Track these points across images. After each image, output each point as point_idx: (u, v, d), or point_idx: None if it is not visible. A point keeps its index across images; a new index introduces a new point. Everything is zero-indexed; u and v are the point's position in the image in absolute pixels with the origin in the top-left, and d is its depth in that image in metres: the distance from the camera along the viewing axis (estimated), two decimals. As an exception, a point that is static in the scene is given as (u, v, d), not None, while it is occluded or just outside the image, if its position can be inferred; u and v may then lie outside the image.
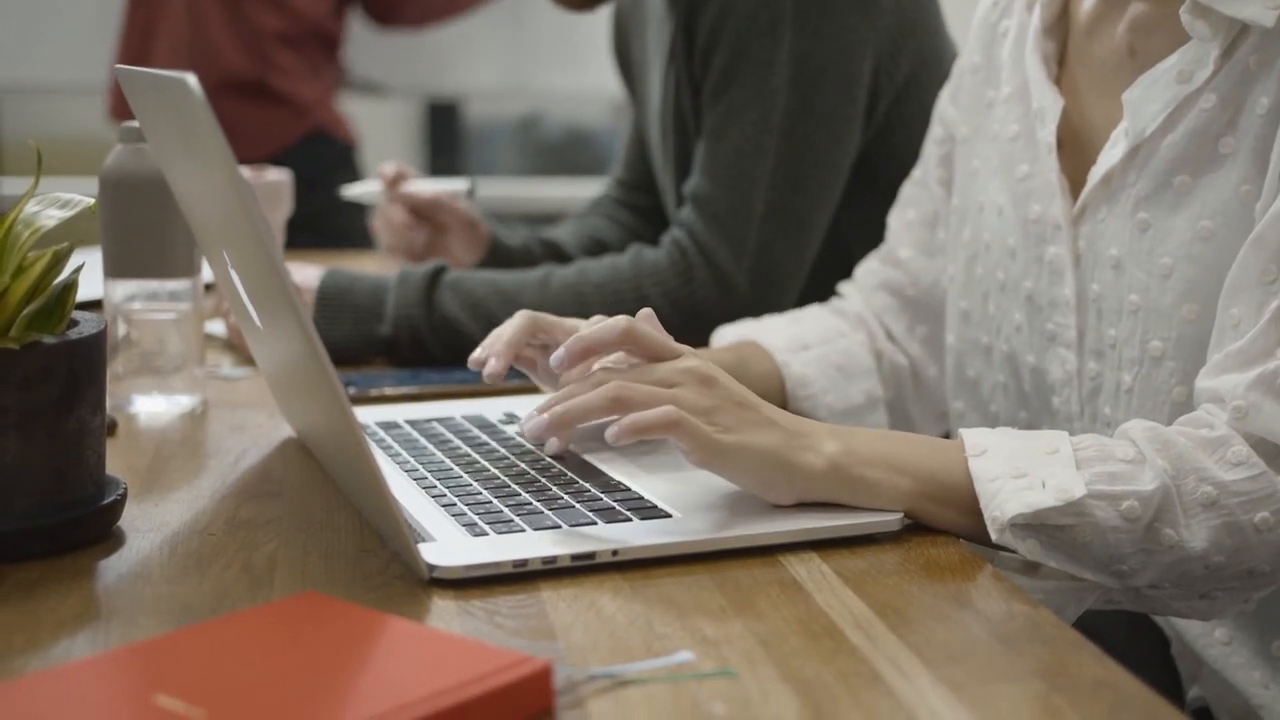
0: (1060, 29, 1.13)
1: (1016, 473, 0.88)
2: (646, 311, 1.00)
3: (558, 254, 1.68)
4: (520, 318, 1.07)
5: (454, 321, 1.36)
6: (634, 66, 1.68)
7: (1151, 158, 1.02)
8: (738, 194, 1.41)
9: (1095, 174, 1.06)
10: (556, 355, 0.95)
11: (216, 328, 1.47)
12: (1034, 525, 0.87)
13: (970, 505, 0.90)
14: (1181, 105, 1.00)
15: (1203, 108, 0.99)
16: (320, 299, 1.37)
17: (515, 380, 1.29)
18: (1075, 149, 1.10)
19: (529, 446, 1.05)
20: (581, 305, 1.39)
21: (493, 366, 1.04)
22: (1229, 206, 0.98)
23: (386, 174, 1.69)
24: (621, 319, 0.94)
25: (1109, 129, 1.06)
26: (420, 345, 1.37)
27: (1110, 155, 1.04)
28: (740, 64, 1.42)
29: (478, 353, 1.06)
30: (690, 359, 0.93)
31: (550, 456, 1.02)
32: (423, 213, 1.68)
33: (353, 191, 1.73)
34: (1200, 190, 1.00)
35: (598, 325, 0.95)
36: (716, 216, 1.42)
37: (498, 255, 1.66)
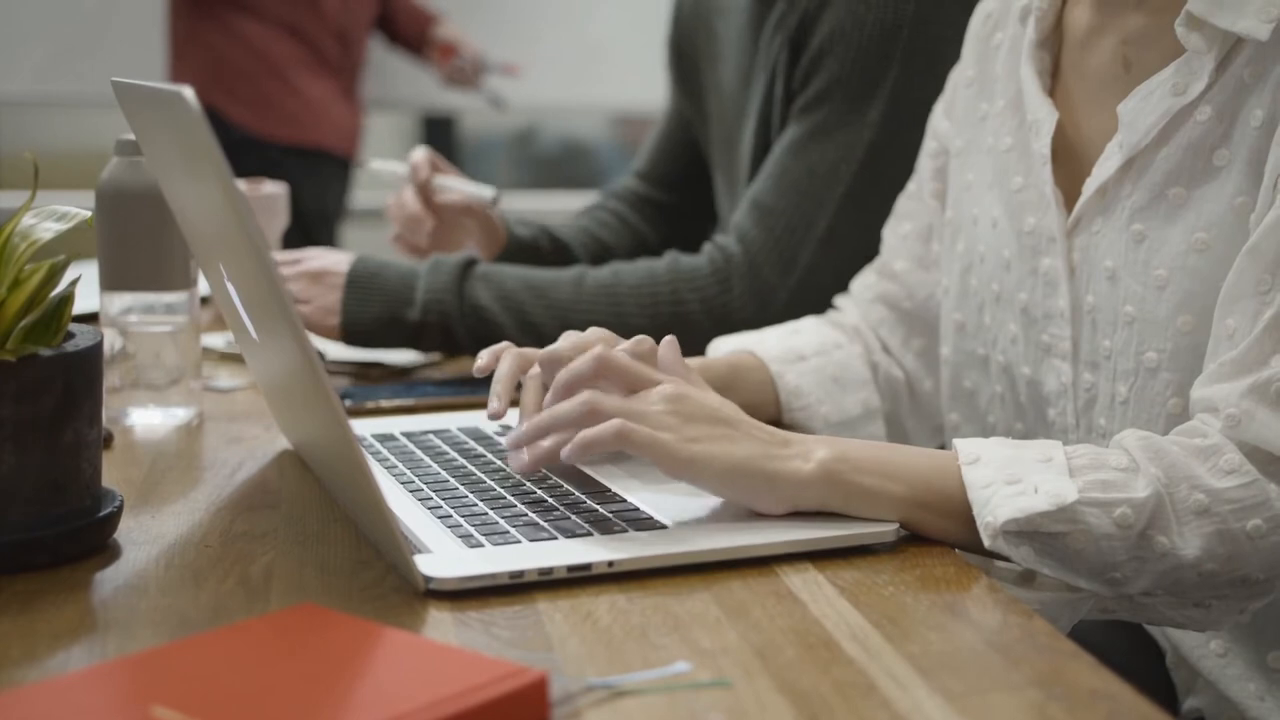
0: (1054, 41, 1.13)
1: (1010, 479, 0.89)
2: (669, 340, 1.01)
3: (562, 249, 1.65)
4: (507, 359, 1.06)
5: (484, 311, 1.36)
6: (695, 61, 1.65)
7: (1146, 170, 1.02)
8: (801, 213, 1.40)
9: (1090, 186, 1.06)
10: (548, 398, 0.97)
11: (213, 340, 1.47)
12: (1027, 532, 0.88)
13: (964, 513, 0.90)
14: (1176, 118, 1.01)
15: (1198, 120, 1.00)
16: (350, 281, 1.36)
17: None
18: (1069, 161, 1.10)
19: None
20: (616, 306, 1.38)
21: (494, 407, 1.03)
22: (1224, 219, 0.98)
23: (419, 164, 1.60)
24: (595, 350, 0.95)
25: (1103, 141, 1.06)
26: (449, 333, 1.36)
27: (1105, 167, 1.05)
28: (839, 89, 1.41)
29: (497, 406, 1.03)
30: (667, 386, 0.94)
31: (545, 468, 1.02)
32: (445, 213, 1.60)
33: (378, 166, 1.67)
34: (1195, 202, 1.00)
35: (577, 360, 0.96)
36: (773, 230, 1.40)
37: (508, 249, 1.61)
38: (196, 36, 3.07)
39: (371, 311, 1.36)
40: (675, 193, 1.75)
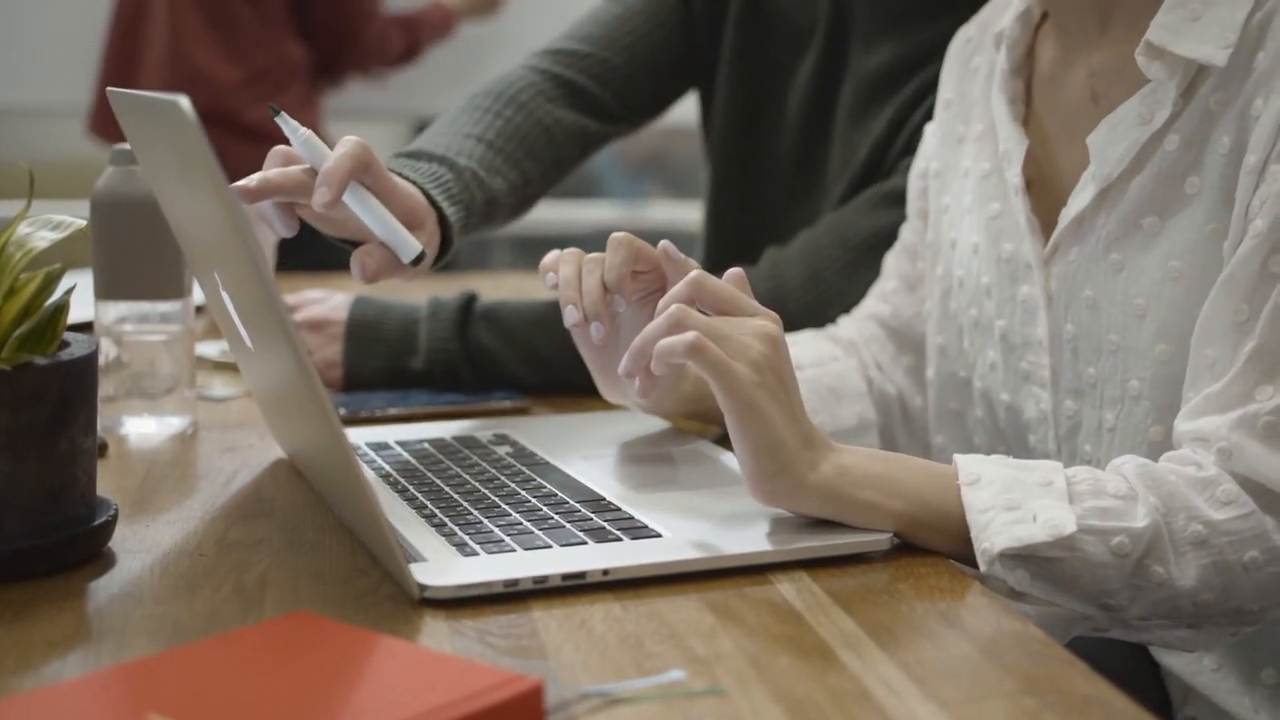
0: (1027, 68, 1.13)
1: (1009, 505, 0.89)
2: (736, 272, 0.98)
3: (493, 200, 1.34)
4: (566, 264, 1.03)
5: (489, 353, 1.33)
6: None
7: (1120, 199, 1.03)
8: (865, 263, 1.38)
9: (1066, 216, 1.06)
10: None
11: (208, 349, 1.47)
12: (1023, 556, 0.88)
13: (961, 532, 0.90)
14: (1146, 147, 1.01)
15: (1167, 149, 1.00)
16: (350, 332, 1.34)
17: (506, 401, 1.30)
18: (1044, 189, 1.10)
19: (520, 467, 1.06)
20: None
21: (571, 317, 1.01)
22: (1197, 246, 0.99)
23: (336, 168, 1.04)
24: (693, 274, 0.93)
25: (1077, 171, 1.06)
26: (455, 378, 1.34)
27: (1080, 198, 1.05)
28: None
29: (575, 315, 1.01)
30: (764, 320, 0.92)
31: (540, 476, 1.03)
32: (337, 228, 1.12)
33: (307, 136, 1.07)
34: (1169, 231, 1.00)
35: (676, 286, 0.94)
36: (835, 261, 1.38)
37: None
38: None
39: (375, 363, 1.34)
40: (635, 114, 1.54)
